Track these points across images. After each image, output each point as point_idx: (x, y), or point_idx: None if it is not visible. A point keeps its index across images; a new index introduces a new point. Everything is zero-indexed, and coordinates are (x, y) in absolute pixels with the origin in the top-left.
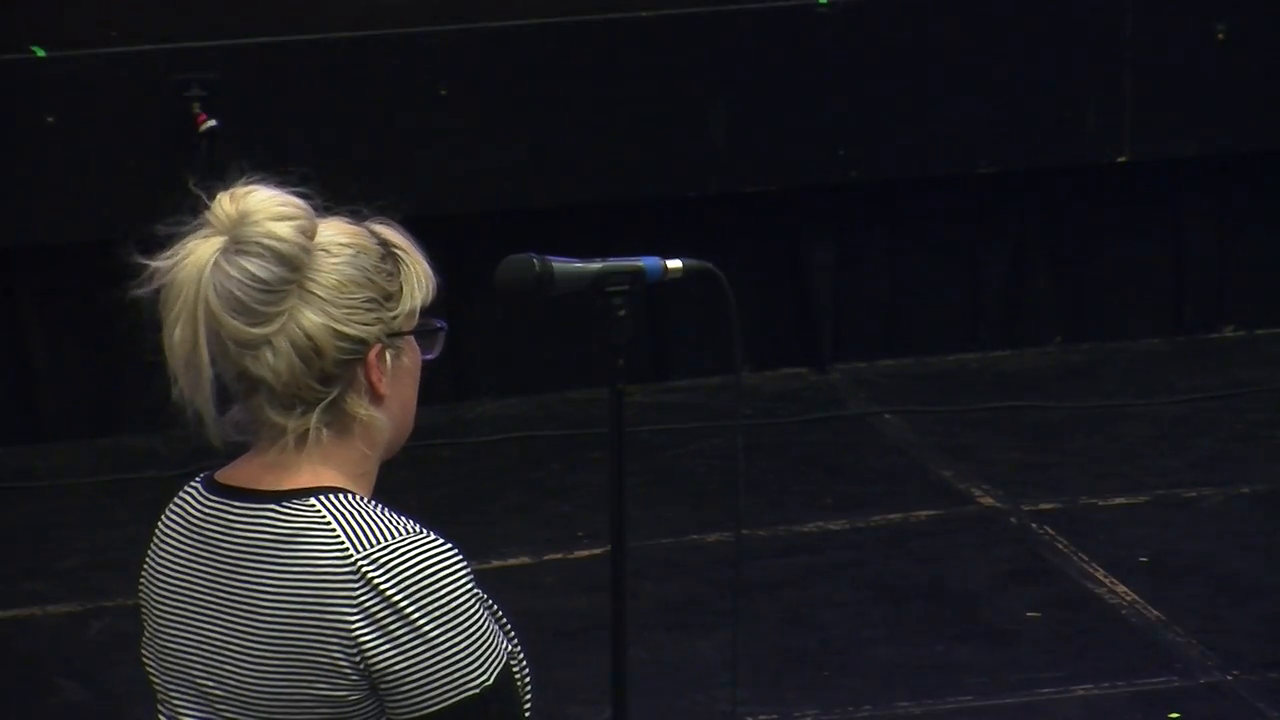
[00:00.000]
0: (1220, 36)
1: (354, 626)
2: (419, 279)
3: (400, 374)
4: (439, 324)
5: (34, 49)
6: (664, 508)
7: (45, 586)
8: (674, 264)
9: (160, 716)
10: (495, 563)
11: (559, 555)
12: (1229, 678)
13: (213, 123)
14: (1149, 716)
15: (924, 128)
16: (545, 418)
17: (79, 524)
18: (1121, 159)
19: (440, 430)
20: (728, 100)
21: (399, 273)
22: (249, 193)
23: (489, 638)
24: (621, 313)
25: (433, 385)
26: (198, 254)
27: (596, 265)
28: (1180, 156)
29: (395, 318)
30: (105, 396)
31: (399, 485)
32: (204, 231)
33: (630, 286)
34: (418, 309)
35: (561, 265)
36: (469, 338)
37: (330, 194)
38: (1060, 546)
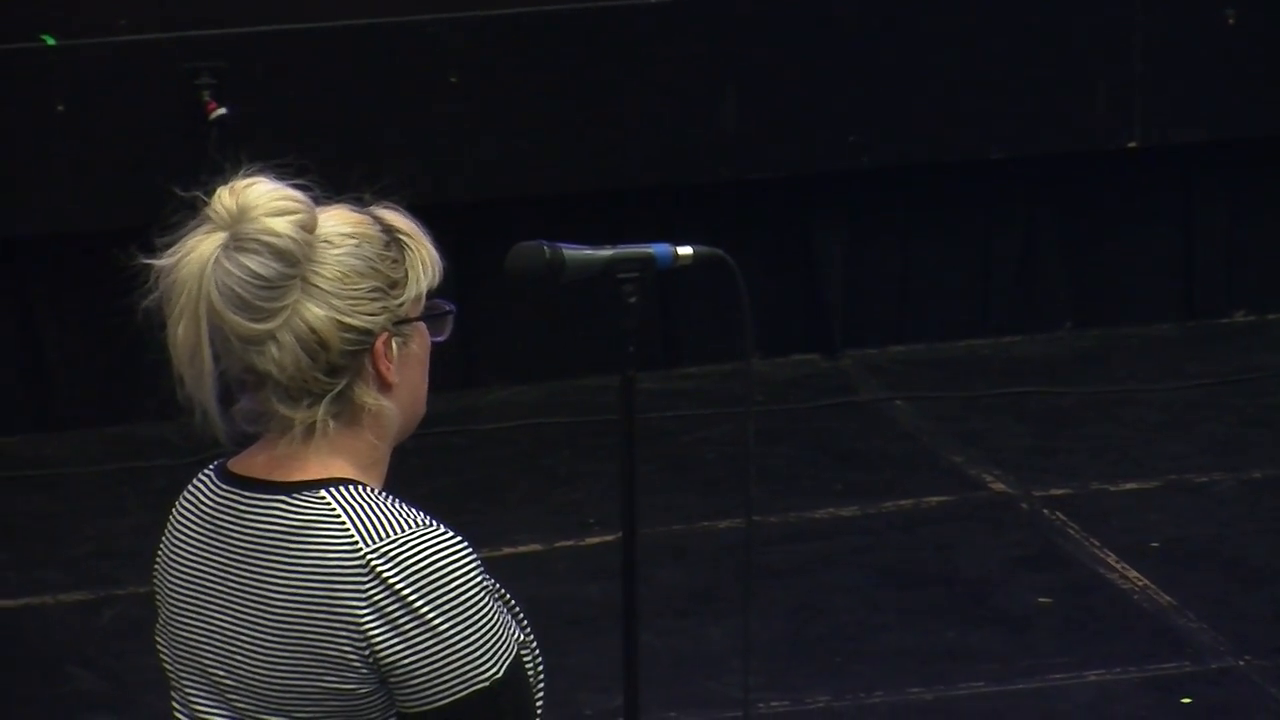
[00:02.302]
0: (1230, 21)
1: (363, 620)
2: (424, 263)
3: (409, 361)
4: (448, 306)
5: (44, 37)
6: (675, 494)
7: (57, 575)
8: (684, 251)
9: (174, 703)
10: (507, 550)
11: (570, 542)
12: (1240, 663)
13: (222, 111)
14: (1161, 701)
15: (934, 114)
16: (556, 405)
17: (90, 513)
18: (1132, 144)
19: (451, 418)
20: (738, 87)
21: (404, 259)
22: (249, 186)
23: (498, 630)
24: (632, 299)
25: (443, 373)
26: (199, 251)
27: (607, 252)
28: (1191, 141)
29: (401, 305)
30: (116, 385)
31: (410, 474)
32: (205, 228)
33: (641, 273)
34: (424, 294)
35: (572, 252)
36: (480, 325)
37: (336, 181)
38: (1072, 532)
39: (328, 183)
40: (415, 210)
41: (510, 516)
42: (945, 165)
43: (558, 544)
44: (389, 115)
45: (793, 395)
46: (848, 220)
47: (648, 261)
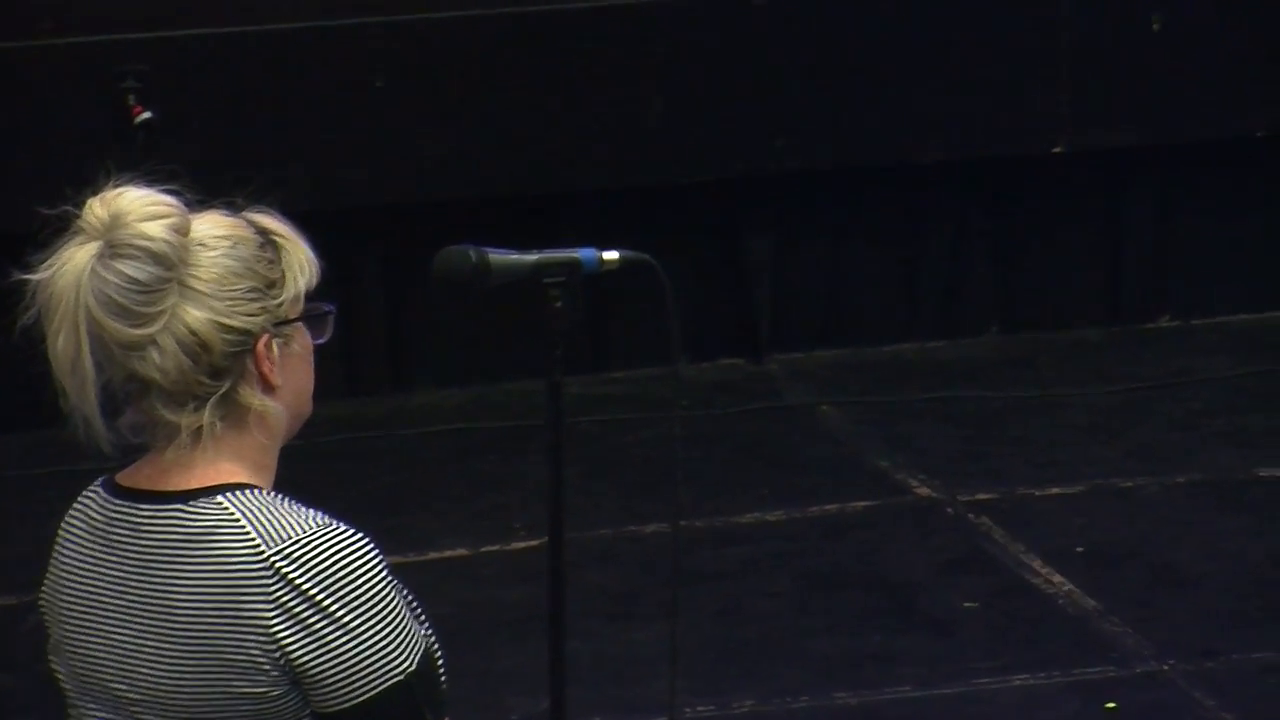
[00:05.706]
0: (1155, 27)
1: (271, 622)
2: (301, 264)
3: (292, 361)
4: (327, 308)
5: None
6: (602, 498)
7: None
8: (610, 255)
9: None
10: (433, 554)
11: (497, 546)
12: (1165, 667)
13: (148, 114)
14: (1086, 705)
15: (861, 118)
16: (483, 409)
17: (18, 516)
18: (1058, 149)
19: (378, 422)
20: (665, 91)
21: (279, 259)
22: (119, 195)
23: (407, 623)
24: (558, 304)
25: (370, 377)
26: (74, 261)
27: (533, 256)
28: (1117, 147)
29: (280, 305)
30: (45, 388)
31: (337, 477)
32: (78, 239)
33: (567, 277)
34: (303, 294)
35: (498, 256)
36: (407, 329)
37: (229, 188)
38: (997, 536)
39: (209, 189)
40: (341, 215)
41: (437, 521)
42: (873, 169)
43: (484, 548)
44: (314, 119)
45: (719, 399)
46: (775, 224)
47: (573, 266)
